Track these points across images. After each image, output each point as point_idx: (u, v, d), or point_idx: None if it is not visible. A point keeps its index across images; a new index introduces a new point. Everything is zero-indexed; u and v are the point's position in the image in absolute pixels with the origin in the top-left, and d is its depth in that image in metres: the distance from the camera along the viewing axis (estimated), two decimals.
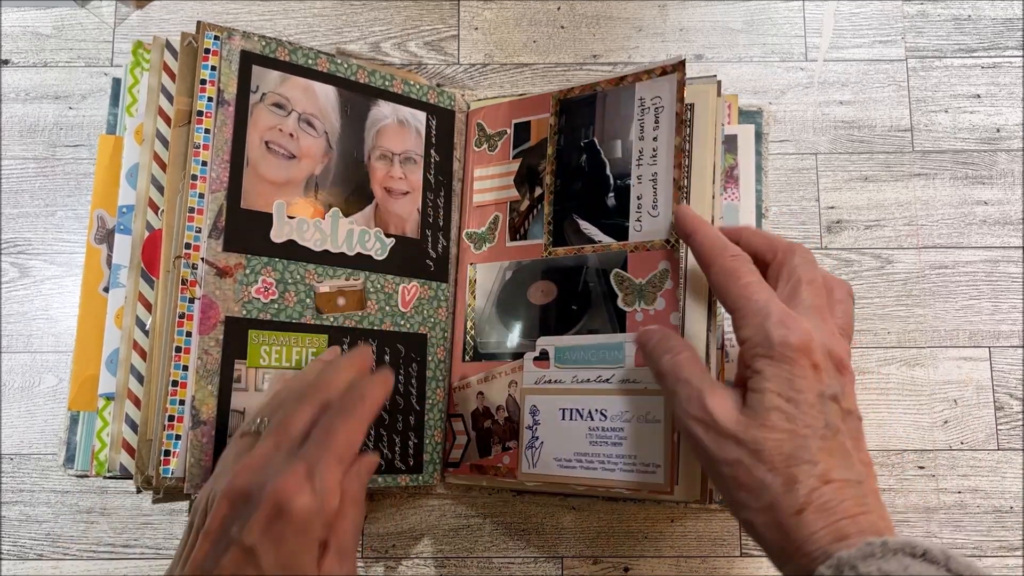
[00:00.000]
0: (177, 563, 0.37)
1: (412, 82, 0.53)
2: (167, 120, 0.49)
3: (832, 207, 0.57)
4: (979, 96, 0.59)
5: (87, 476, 0.51)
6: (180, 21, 0.60)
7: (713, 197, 0.48)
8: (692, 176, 0.48)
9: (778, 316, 0.36)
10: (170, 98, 0.49)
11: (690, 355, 0.39)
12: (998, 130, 0.58)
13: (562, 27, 0.60)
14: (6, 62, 0.59)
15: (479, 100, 0.56)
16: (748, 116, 0.57)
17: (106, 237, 0.52)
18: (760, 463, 0.34)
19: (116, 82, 0.55)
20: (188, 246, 0.46)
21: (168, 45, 0.49)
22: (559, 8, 0.61)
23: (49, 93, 0.59)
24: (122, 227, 0.50)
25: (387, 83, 0.52)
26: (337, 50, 0.59)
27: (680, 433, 0.38)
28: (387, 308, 0.51)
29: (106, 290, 0.51)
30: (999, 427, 0.54)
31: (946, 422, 0.55)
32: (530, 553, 0.53)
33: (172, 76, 0.49)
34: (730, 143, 0.55)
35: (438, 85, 0.55)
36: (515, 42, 0.60)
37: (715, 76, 0.50)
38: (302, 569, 0.35)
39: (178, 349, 0.45)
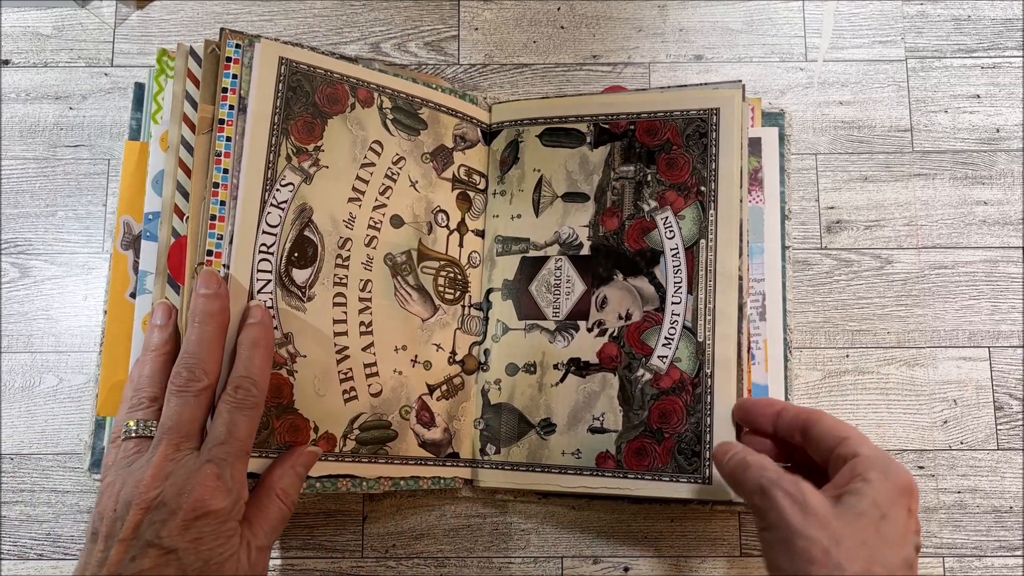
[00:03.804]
0: (84, 568, 0.38)
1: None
2: (191, 127, 0.49)
3: (832, 207, 0.57)
4: (979, 96, 0.59)
5: None
6: (180, 22, 0.60)
7: (741, 201, 0.48)
8: (719, 182, 0.49)
9: (895, 461, 0.38)
10: (195, 105, 0.49)
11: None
12: (998, 130, 0.58)
13: (562, 27, 0.60)
14: (6, 62, 0.59)
15: (500, 102, 0.56)
16: (771, 118, 0.57)
17: (132, 243, 0.52)
18: (840, 549, 0.35)
19: (139, 87, 0.55)
20: (210, 253, 0.46)
21: (192, 52, 0.50)
22: (559, 8, 0.61)
23: (49, 93, 0.59)
24: (148, 234, 0.51)
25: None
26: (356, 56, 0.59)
27: (751, 503, 0.40)
28: None
29: (132, 296, 0.51)
30: (999, 427, 0.54)
31: (946, 422, 0.55)
32: (530, 553, 0.53)
33: (196, 83, 0.49)
34: (754, 146, 0.55)
35: (464, 94, 0.55)
36: (515, 42, 0.60)
37: (740, 81, 0.50)
38: (222, 562, 0.38)
39: None
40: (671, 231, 0.50)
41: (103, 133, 0.58)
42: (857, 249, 0.57)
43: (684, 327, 0.48)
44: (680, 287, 0.49)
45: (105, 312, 0.52)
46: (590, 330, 0.50)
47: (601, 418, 0.49)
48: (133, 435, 0.41)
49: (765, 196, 0.55)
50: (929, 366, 0.55)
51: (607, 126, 0.52)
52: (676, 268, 0.49)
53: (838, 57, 0.59)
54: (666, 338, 0.49)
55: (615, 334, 0.50)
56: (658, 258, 0.50)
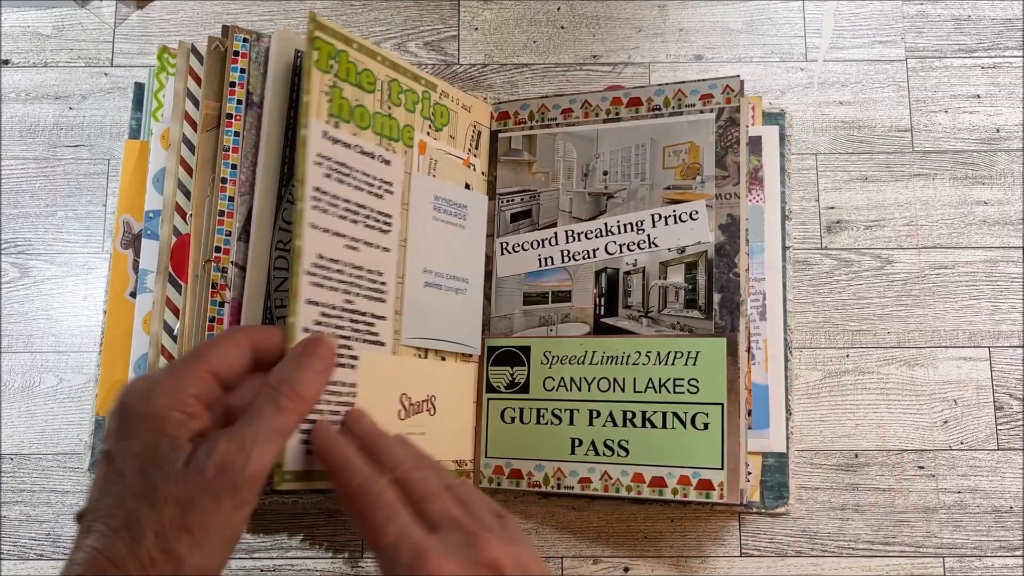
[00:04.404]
0: None
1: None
2: (193, 125, 0.49)
3: (832, 207, 0.57)
4: (979, 96, 0.59)
5: None
6: (180, 21, 0.60)
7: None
8: None
9: (407, 558, 0.33)
10: (196, 103, 0.49)
11: (381, 489, 0.36)
12: (998, 130, 0.58)
13: (562, 27, 0.60)
14: (6, 62, 0.59)
15: (501, 103, 0.56)
16: (771, 118, 0.57)
17: (132, 242, 0.52)
18: None
19: (139, 87, 0.56)
20: (218, 249, 0.46)
21: (194, 50, 0.50)
22: (559, 8, 0.61)
23: (49, 93, 0.59)
24: (149, 232, 0.50)
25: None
26: None
27: None
28: None
29: (132, 295, 0.51)
30: (999, 427, 0.54)
31: (946, 422, 0.55)
32: None
33: (198, 80, 0.49)
34: (754, 145, 0.55)
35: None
36: (515, 42, 0.60)
37: (738, 76, 0.51)
38: (163, 459, 0.33)
39: None
40: None
41: (103, 133, 0.58)
42: (857, 249, 0.57)
43: None
44: None
45: (105, 312, 0.52)
46: None
47: None
48: None
49: (765, 196, 0.55)
50: (929, 366, 0.55)
51: None
52: None
53: (838, 57, 0.59)
54: None
55: None
56: None
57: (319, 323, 0.43)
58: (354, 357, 0.46)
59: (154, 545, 0.32)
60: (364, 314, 0.46)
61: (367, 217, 0.46)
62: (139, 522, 0.32)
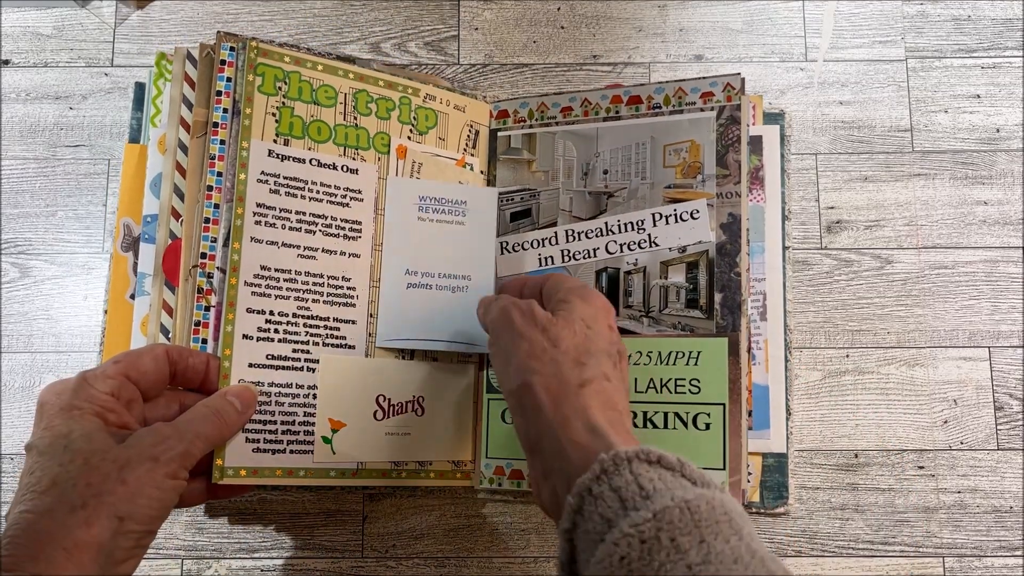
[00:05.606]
0: None
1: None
2: (189, 130, 0.49)
3: (832, 207, 0.57)
4: (979, 96, 0.59)
5: None
6: (180, 22, 0.60)
7: None
8: None
9: (592, 290, 0.43)
10: (192, 108, 0.49)
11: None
12: (998, 130, 0.58)
13: (562, 27, 0.60)
14: (7, 62, 0.59)
15: (500, 101, 0.56)
16: (771, 118, 0.57)
17: (132, 245, 0.52)
18: (556, 348, 0.39)
19: (139, 87, 0.56)
20: (204, 255, 0.46)
21: (189, 56, 0.50)
22: (559, 8, 0.61)
23: (49, 93, 0.59)
24: (147, 236, 0.51)
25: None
26: (347, 57, 0.59)
27: (494, 329, 0.43)
28: None
29: (132, 297, 0.51)
30: (999, 427, 0.54)
31: (946, 422, 0.55)
32: (530, 553, 0.53)
33: (193, 86, 0.49)
34: (755, 144, 0.55)
35: (462, 92, 0.55)
36: (515, 42, 0.60)
37: (739, 74, 0.51)
38: (91, 437, 0.37)
39: None
40: None
41: (103, 133, 0.58)
42: (857, 249, 0.57)
43: None
44: None
45: (105, 312, 0.52)
46: None
47: None
48: None
49: (766, 196, 0.55)
50: (929, 366, 0.55)
51: None
52: None
53: (838, 57, 0.59)
54: None
55: None
56: None
57: (262, 329, 0.45)
58: (313, 361, 0.47)
59: (85, 491, 0.35)
60: (325, 319, 0.48)
61: (328, 226, 0.48)
62: (68, 478, 0.35)
